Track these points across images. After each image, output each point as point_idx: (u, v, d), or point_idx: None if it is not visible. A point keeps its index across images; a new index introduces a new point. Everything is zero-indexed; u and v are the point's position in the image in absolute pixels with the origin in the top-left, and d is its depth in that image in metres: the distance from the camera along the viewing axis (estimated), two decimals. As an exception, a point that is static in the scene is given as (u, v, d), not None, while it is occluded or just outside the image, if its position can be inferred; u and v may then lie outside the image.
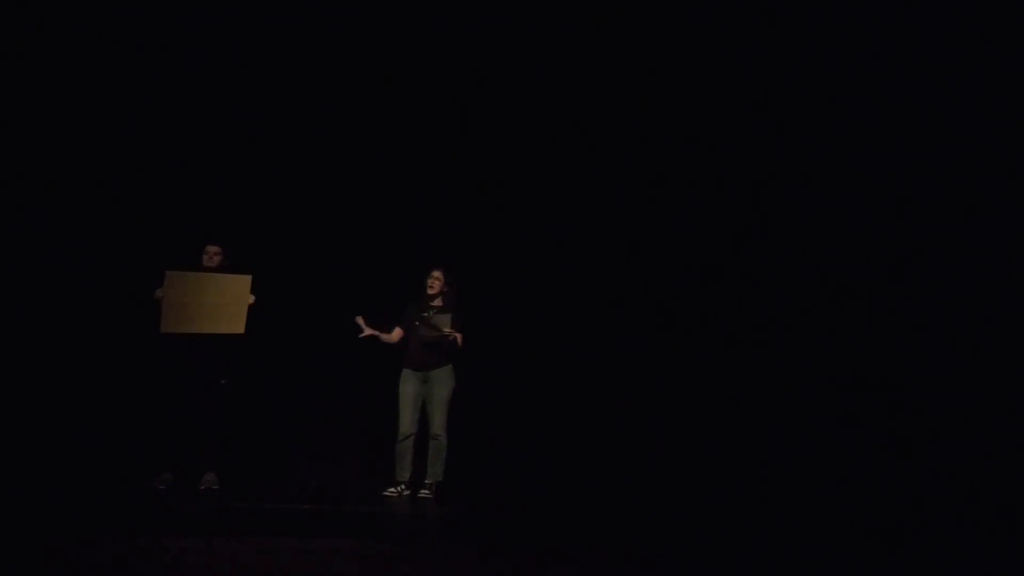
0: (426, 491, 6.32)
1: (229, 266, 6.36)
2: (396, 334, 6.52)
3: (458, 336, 6.34)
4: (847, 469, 6.24)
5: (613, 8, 6.98)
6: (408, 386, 6.45)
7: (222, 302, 6.10)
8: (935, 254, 6.39)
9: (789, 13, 6.80)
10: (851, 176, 6.69)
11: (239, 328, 6.10)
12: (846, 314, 6.62)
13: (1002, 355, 6.04)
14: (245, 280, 6.15)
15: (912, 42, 6.46)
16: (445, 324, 6.31)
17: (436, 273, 6.53)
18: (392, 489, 6.34)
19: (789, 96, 6.90)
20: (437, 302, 6.51)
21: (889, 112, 6.60)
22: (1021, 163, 6.20)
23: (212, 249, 6.36)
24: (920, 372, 6.28)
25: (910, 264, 6.47)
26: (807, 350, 6.66)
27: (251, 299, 6.13)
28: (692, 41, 7.01)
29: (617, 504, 6.35)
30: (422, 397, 6.45)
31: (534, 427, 6.92)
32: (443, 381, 6.40)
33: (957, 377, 6.14)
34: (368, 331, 6.41)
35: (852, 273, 6.65)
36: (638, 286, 7.07)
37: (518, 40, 7.08)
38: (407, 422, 6.41)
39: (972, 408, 6.05)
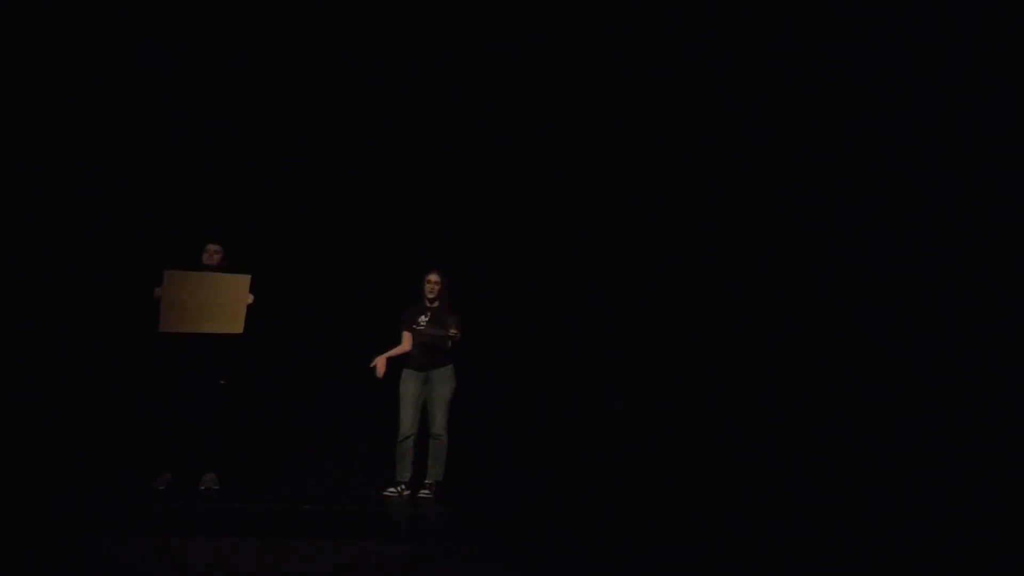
0: (426, 491, 6.32)
1: (229, 265, 6.35)
2: (406, 341, 6.50)
3: (458, 334, 6.33)
4: (847, 473, 6.24)
5: (613, 11, 6.99)
6: (409, 386, 6.45)
7: (221, 302, 6.10)
8: (934, 257, 6.39)
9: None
10: (849, 178, 6.70)
11: (238, 328, 6.09)
12: (844, 315, 6.62)
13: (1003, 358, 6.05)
14: (244, 280, 6.14)
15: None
16: (450, 325, 6.32)
17: (433, 277, 6.52)
18: (392, 489, 6.34)
19: (789, 98, 6.90)
20: (435, 304, 6.50)
21: (889, 118, 6.62)
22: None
23: (212, 248, 6.35)
24: (921, 373, 6.29)
25: (907, 265, 6.48)
26: (807, 352, 6.66)
27: (250, 299, 6.13)
28: (691, 42, 7.02)
29: (617, 504, 6.35)
30: (423, 397, 6.45)
31: (534, 427, 6.92)
32: (444, 381, 6.40)
33: (958, 379, 6.14)
34: (383, 365, 6.37)
35: (849, 273, 6.65)
36: (638, 287, 7.07)
37: (517, 43, 7.08)
38: (408, 422, 6.41)
39: (973, 412, 6.05)
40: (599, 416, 6.92)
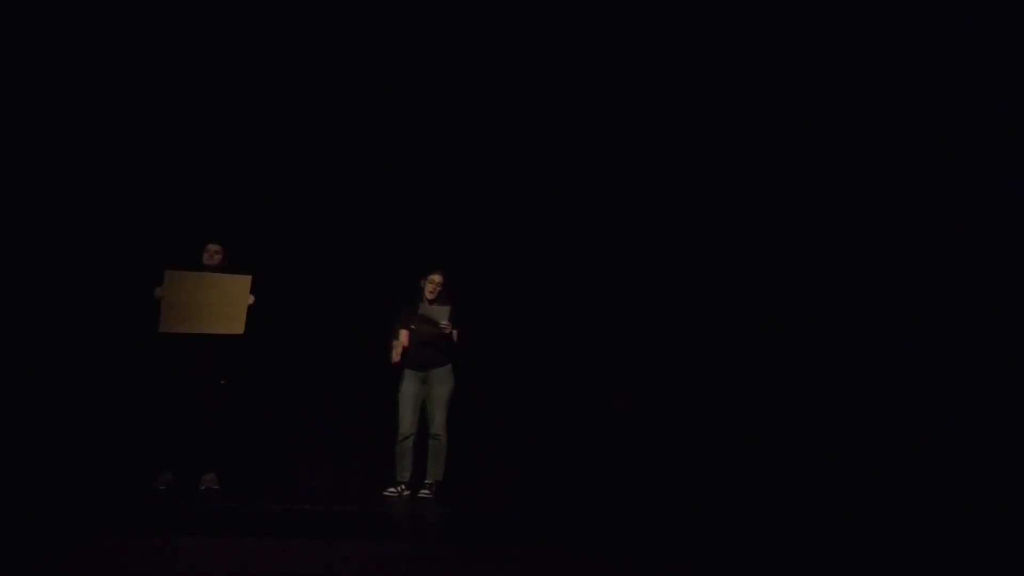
0: (426, 491, 6.32)
1: (229, 265, 6.35)
2: (403, 338, 6.48)
3: (454, 331, 6.33)
4: (847, 473, 6.24)
5: (613, 11, 6.99)
6: (408, 386, 6.44)
7: (221, 302, 6.10)
8: (934, 257, 6.39)
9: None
10: (849, 178, 6.70)
11: (238, 328, 6.09)
12: (844, 315, 6.62)
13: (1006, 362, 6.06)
14: (245, 280, 6.14)
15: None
16: (443, 316, 6.31)
17: (436, 278, 6.50)
18: (392, 489, 6.34)
19: (789, 98, 6.90)
20: (433, 303, 6.49)
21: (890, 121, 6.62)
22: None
23: (213, 248, 6.35)
24: (921, 373, 6.28)
25: (907, 265, 6.48)
26: (807, 352, 6.66)
27: (250, 299, 6.13)
28: (691, 42, 7.02)
29: (617, 504, 6.35)
30: (422, 397, 6.45)
31: (534, 427, 6.92)
32: (443, 381, 6.40)
33: (958, 379, 6.14)
34: (398, 351, 6.38)
35: (849, 273, 6.66)
36: (638, 287, 7.07)
37: (517, 43, 7.09)
38: (407, 422, 6.41)
39: (973, 412, 6.05)
40: (599, 416, 6.92)
